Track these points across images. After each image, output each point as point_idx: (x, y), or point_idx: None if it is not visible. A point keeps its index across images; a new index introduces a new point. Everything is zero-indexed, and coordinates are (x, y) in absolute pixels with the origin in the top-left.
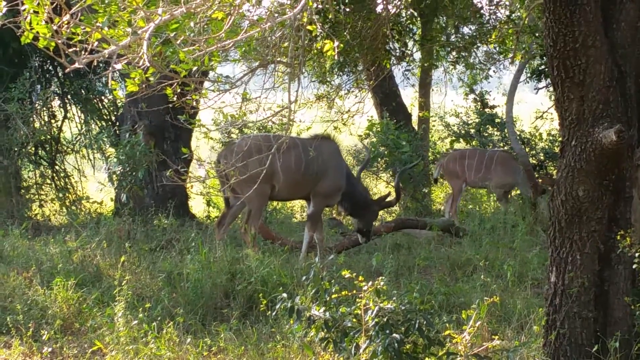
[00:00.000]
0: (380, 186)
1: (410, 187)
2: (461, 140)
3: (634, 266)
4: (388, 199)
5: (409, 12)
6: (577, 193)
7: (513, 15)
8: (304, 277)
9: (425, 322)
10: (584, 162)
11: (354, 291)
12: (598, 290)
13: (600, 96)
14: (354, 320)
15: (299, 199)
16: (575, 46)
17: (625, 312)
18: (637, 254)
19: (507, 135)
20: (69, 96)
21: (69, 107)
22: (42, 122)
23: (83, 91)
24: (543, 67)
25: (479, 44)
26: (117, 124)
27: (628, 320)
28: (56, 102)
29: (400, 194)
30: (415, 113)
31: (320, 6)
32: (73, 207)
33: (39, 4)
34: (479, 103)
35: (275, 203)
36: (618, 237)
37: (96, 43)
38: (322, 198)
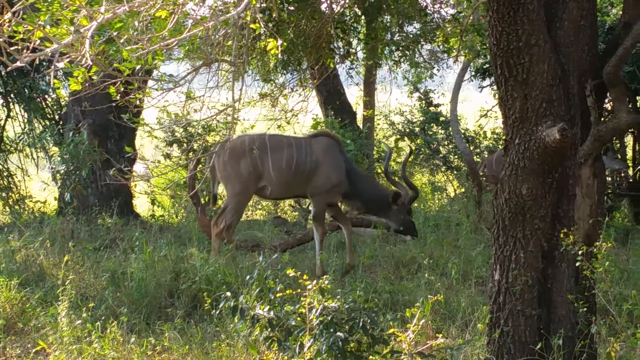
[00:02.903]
0: None
1: None
2: (406, 138)
3: (577, 264)
4: (410, 194)
5: (353, 11)
6: (521, 191)
7: (457, 14)
8: (248, 276)
9: (369, 321)
10: (528, 160)
11: (298, 290)
12: (541, 288)
13: (544, 95)
14: (298, 319)
15: (292, 198)
16: (518, 45)
17: (568, 310)
18: (580, 252)
19: (451, 133)
20: (12, 95)
21: (12, 106)
22: None
23: (26, 90)
24: (487, 65)
25: (423, 43)
26: (61, 122)
27: (571, 318)
28: None
29: (414, 186)
30: (359, 111)
31: (264, 5)
32: (16, 207)
33: None
34: (423, 101)
35: (220, 202)
36: (561, 235)
37: (38, 41)
38: (319, 196)
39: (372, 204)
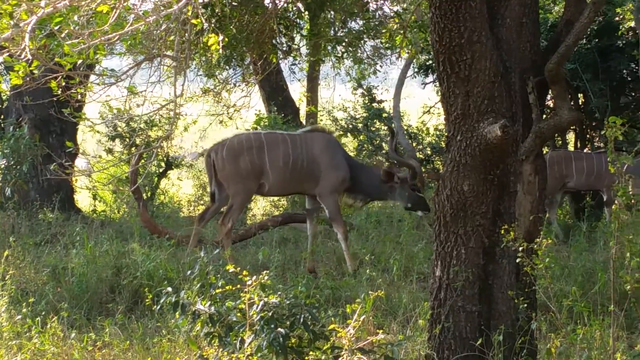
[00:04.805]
0: None
1: None
2: (349, 134)
3: (518, 260)
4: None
5: (296, 7)
6: (462, 188)
7: (400, 10)
8: (189, 272)
9: (310, 317)
10: (469, 156)
11: (239, 285)
12: (482, 284)
13: (485, 91)
14: (239, 314)
15: (293, 195)
16: (460, 42)
17: (509, 306)
18: (520, 248)
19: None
20: None
21: None
22: None
23: None
24: (430, 62)
25: (366, 39)
26: (2, 117)
27: (512, 314)
28: None
29: (410, 164)
30: (303, 107)
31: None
32: None
33: None
34: (366, 97)
35: (162, 197)
36: (502, 232)
37: None
38: (329, 196)
39: (374, 191)
